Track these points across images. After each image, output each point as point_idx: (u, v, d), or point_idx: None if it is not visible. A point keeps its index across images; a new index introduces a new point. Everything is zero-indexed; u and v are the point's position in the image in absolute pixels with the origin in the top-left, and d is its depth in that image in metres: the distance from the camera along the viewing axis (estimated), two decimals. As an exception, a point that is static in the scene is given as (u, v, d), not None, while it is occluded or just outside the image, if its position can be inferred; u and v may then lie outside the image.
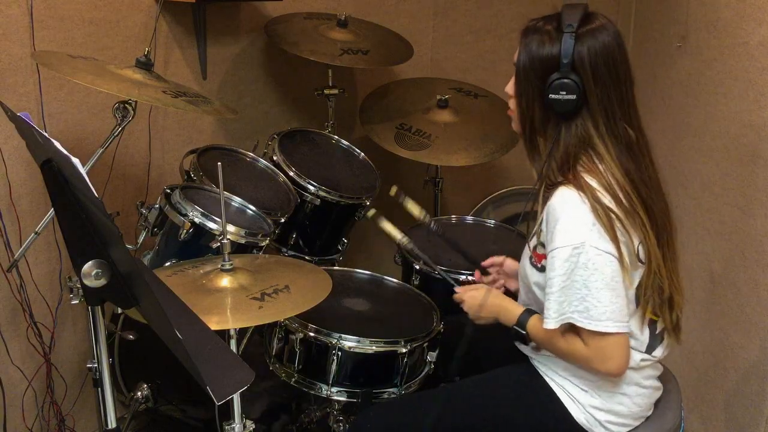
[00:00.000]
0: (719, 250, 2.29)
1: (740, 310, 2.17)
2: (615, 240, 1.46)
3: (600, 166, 1.51)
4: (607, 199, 1.48)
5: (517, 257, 1.88)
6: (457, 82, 2.89)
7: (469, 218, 2.63)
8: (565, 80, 1.48)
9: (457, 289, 1.83)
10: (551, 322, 1.51)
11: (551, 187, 1.53)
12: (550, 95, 1.49)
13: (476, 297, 1.76)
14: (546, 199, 1.54)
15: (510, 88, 1.62)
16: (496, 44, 3.17)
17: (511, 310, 1.67)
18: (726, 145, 2.26)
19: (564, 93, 1.48)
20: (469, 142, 2.63)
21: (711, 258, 2.33)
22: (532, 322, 1.62)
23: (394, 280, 2.21)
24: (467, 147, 2.61)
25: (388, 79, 2.90)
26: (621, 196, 1.49)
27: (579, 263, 1.45)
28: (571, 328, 1.52)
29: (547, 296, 1.51)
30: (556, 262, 1.47)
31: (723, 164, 2.28)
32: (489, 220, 2.62)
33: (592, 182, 1.49)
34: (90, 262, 1.13)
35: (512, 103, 1.62)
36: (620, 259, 1.47)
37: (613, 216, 1.46)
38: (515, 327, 1.64)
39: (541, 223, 1.59)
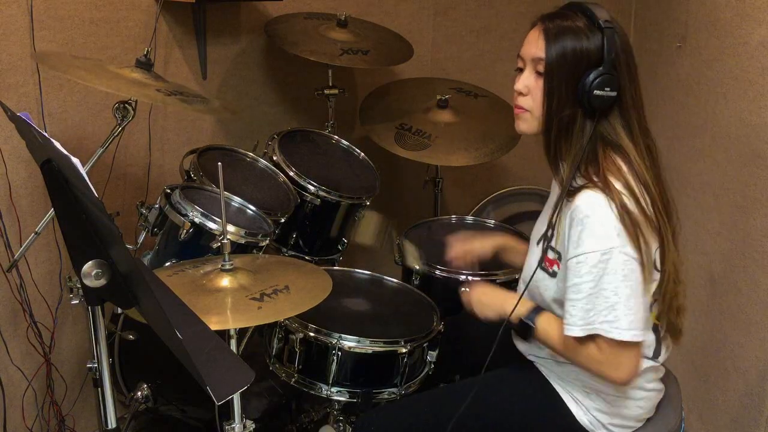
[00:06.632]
0: (719, 250, 2.29)
1: (740, 310, 2.17)
2: (638, 246, 1.42)
3: (624, 168, 1.46)
4: (631, 204, 1.43)
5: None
6: (457, 82, 2.89)
7: (469, 218, 2.63)
8: (610, 75, 1.43)
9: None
10: (576, 330, 1.46)
11: (572, 191, 1.47)
12: (595, 91, 1.42)
13: (479, 290, 1.73)
14: (567, 203, 1.48)
15: (523, 85, 1.52)
16: (497, 44, 3.17)
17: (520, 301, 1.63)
18: (726, 145, 2.26)
19: (608, 89, 1.43)
20: (469, 142, 2.63)
21: (711, 258, 2.33)
22: (545, 319, 1.57)
23: (394, 280, 2.21)
24: (467, 147, 2.61)
25: (388, 79, 2.90)
26: (642, 201, 1.45)
27: (608, 269, 1.41)
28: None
29: (571, 302, 1.46)
30: (584, 268, 1.43)
31: (723, 164, 2.28)
32: (489, 220, 2.62)
33: (617, 185, 1.44)
34: (90, 262, 1.13)
35: (525, 102, 1.53)
36: (643, 265, 1.43)
37: (637, 222, 1.42)
38: (525, 319, 1.58)
39: (555, 226, 1.54)
